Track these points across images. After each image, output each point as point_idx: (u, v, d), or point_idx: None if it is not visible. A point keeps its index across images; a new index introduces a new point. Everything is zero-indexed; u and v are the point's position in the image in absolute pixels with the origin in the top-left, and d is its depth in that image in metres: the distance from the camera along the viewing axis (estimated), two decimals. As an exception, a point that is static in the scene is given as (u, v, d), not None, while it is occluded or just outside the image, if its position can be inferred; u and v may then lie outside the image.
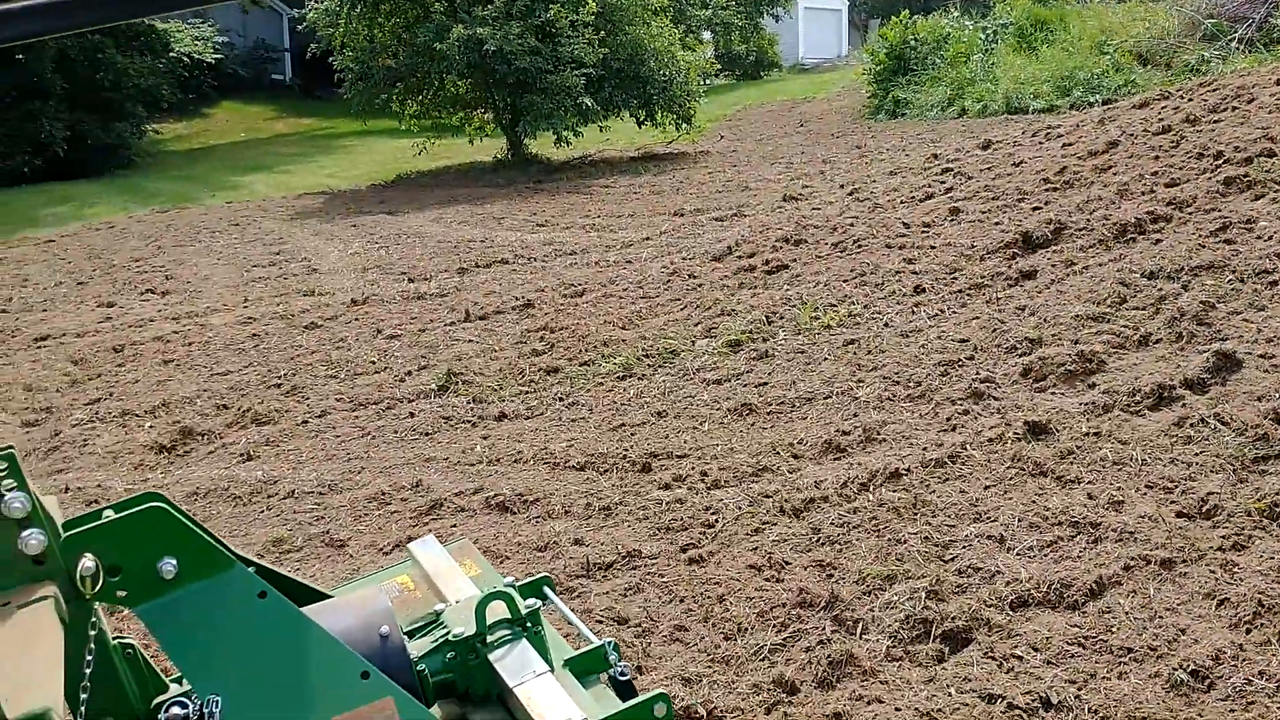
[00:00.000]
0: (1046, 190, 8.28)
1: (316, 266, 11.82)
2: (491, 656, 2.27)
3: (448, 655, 2.29)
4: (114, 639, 2.45)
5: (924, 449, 4.91)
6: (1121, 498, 4.23)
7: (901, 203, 9.33)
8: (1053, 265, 6.87)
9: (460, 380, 6.93)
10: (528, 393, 6.65)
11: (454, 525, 4.90)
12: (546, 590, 2.70)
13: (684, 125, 20.08)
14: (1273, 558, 3.73)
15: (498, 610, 2.34)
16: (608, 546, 4.53)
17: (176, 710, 2.37)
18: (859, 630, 3.71)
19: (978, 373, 5.62)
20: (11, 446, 2.04)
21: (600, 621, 3.97)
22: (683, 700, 3.46)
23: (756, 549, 4.34)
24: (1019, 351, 5.76)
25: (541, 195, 15.89)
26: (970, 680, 3.36)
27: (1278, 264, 6.00)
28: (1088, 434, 4.75)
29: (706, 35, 31.73)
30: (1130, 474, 4.40)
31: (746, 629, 3.83)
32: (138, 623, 3.69)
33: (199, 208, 17.74)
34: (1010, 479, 4.54)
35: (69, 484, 5.83)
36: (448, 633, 2.32)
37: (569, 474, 5.39)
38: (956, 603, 3.72)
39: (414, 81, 19.99)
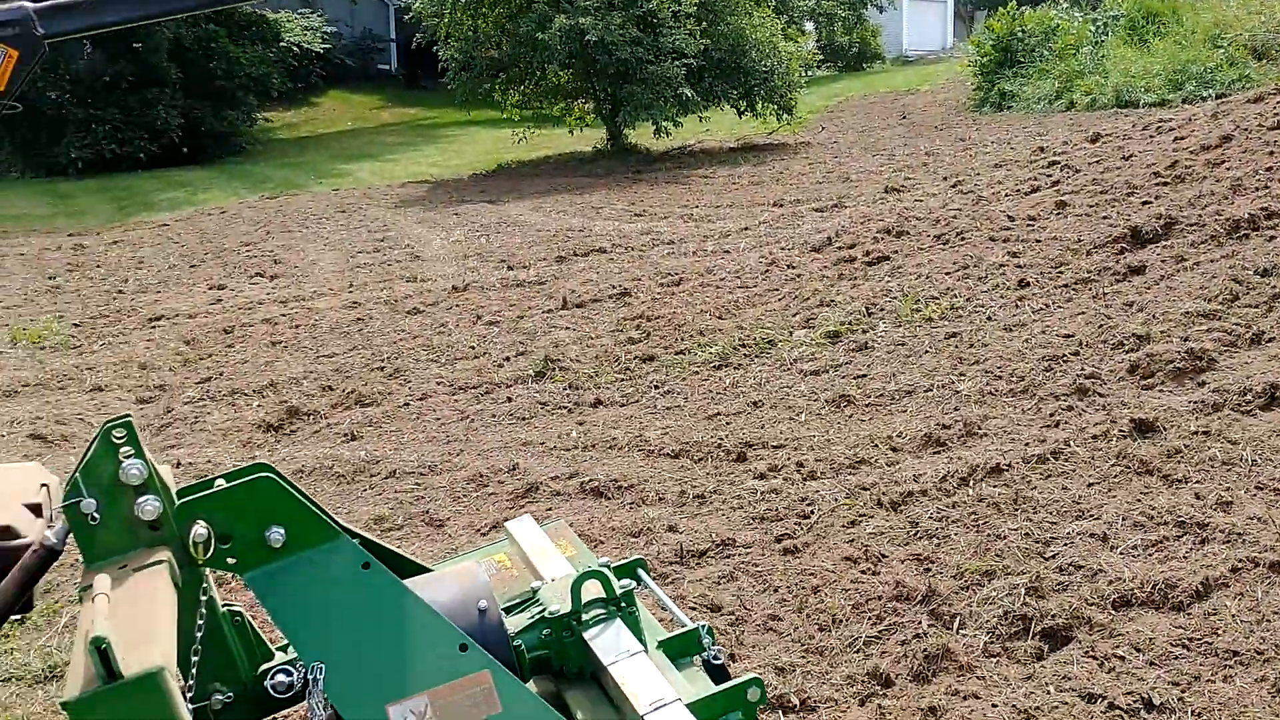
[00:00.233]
0: (1157, 184, 8.06)
1: (419, 253, 12.00)
2: (586, 635, 2.29)
3: (543, 632, 2.31)
4: (223, 607, 2.53)
5: (1026, 445, 4.82)
6: (1230, 498, 4.11)
7: (1006, 195, 9.15)
8: (1162, 261, 6.68)
9: (557, 367, 6.98)
10: (623, 380, 6.68)
11: (549, 508, 4.94)
12: (640, 572, 2.71)
13: (784, 116, 19.93)
14: (1393, 565, 3.59)
15: (593, 590, 2.35)
16: (701, 534, 4.53)
17: (281, 678, 2.44)
18: (956, 625, 3.66)
19: (1083, 369, 5.49)
20: (129, 415, 2.11)
21: (693, 608, 3.98)
22: (776, 689, 3.46)
23: (853, 541, 4.30)
24: (1126, 348, 5.62)
25: (640, 185, 15.92)
26: (1070, 679, 3.30)
27: (1405, 262, 5.77)
28: (1196, 433, 4.62)
29: (809, 26, 31.46)
30: (1240, 474, 4.27)
31: (841, 620, 3.80)
32: (245, 593, 3.80)
33: (306, 194, 18.13)
34: (1115, 477, 4.43)
35: (180, 459, 6.02)
36: (544, 610, 2.34)
37: (663, 461, 5.41)
38: (1057, 600, 3.65)
39: (516, 72, 20.15)
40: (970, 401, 5.46)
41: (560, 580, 2.44)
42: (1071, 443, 4.74)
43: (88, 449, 2.03)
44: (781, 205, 12.52)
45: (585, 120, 21.07)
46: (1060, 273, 6.94)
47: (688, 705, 2.06)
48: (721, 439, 5.52)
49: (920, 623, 3.68)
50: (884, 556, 4.15)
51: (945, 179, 11.50)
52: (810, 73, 23.06)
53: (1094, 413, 5.02)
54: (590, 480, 5.17)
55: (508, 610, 2.46)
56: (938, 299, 7.02)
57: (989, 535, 4.15)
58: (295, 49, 27.85)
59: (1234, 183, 7.49)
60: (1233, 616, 3.47)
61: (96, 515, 2.01)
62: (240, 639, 2.54)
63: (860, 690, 3.41)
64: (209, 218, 16.27)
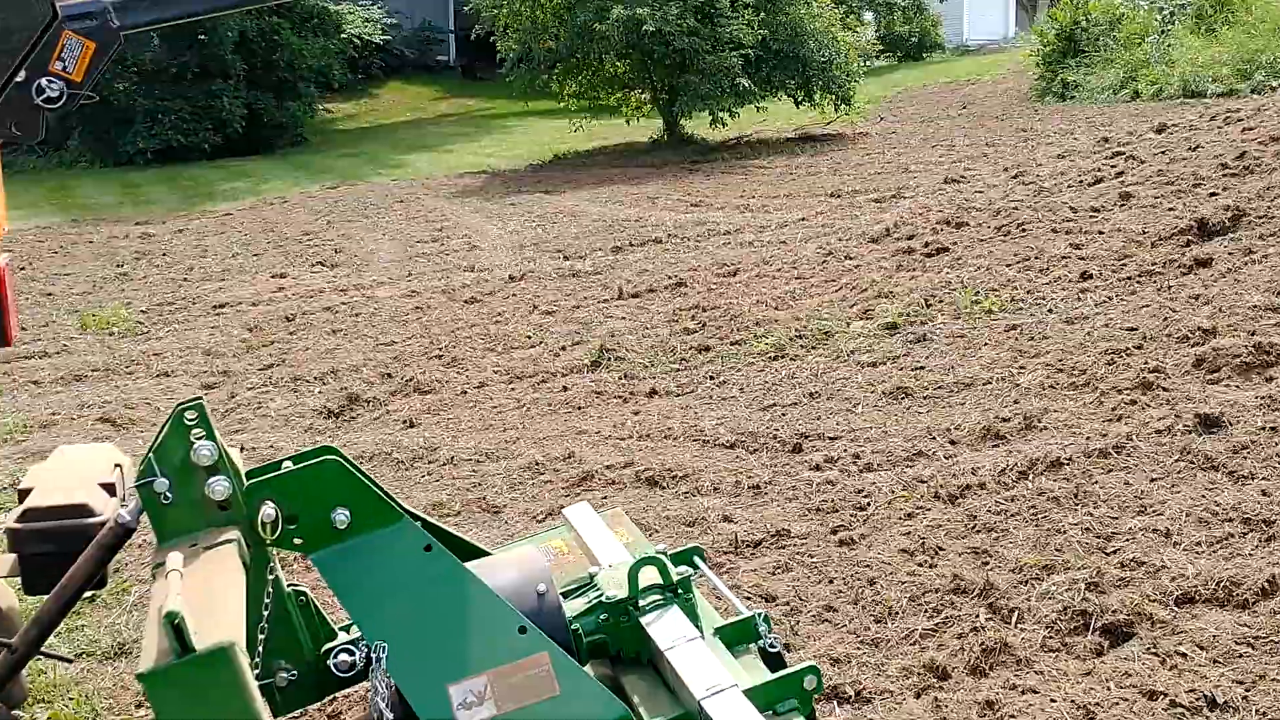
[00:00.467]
0: (1225, 176, 7.91)
1: (476, 243, 12.09)
2: (643, 620, 2.30)
3: (600, 616, 2.33)
4: (288, 587, 2.58)
5: (1087, 438, 4.76)
6: (1299, 495, 4.03)
7: (1069, 186, 9.03)
8: (1229, 253, 6.56)
9: (613, 356, 7.01)
10: (679, 370, 6.69)
11: (604, 497, 4.97)
12: (697, 560, 2.73)
13: (843, 106, 19.77)
14: None
15: (650, 576, 2.37)
16: (757, 524, 4.53)
17: (344, 657, 2.49)
18: (1014, 619, 3.63)
19: (1146, 362, 5.41)
20: (201, 397, 2.16)
21: (748, 598, 3.98)
22: (831, 680, 3.45)
23: (909, 533, 4.28)
24: (1191, 341, 5.53)
25: (696, 175, 15.90)
26: (1130, 675, 3.26)
27: None
28: (1263, 428, 4.54)
29: (868, 16, 31.15)
30: (1310, 471, 4.19)
31: (897, 612, 3.79)
32: (308, 575, 3.87)
33: (366, 185, 18.31)
34: (1179, 472, 4.37)
35: (244, 444, 6.11)
36: (601, 595, 2.36)
37: (718, 452, 5.41)
38: (1118, 596, 3.61)
39: (574, 62, 20.18)
40: (1030, 394, 5.40)
41: (617, 566, 2.46)
42: (1134, 437, 4.68)
43: (160, 430, 2.08)
44: (839, 196, 12.45)
45: (642, 111, 21.06)
46: (1124, 265, 6.84)
47: (744, 691, 2.07)
48: (777, 430, 5.52)
49: (978, 616, 3.66)
50: (941, 549, 4.13)
51: (1006, 170, 11.36)
52: (869, 63, 22.89)
53: (1157, 407, 4.95)
54: (645, 470, 5.18)
55: (565, 595, 2.49)
56: (998, 291, 6.95)
57: (1048, 529, 4.11)
58: (356, 41, 28.10)
59: (1305, 174, 7.35)
60: (1299, 615, 3.41)
61: (169, 495, 2.06)
62: (304, 618, 2.59)
63: (916, 683, 3.40)
64: (271, 207, 16.50)
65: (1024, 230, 8.05)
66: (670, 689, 2.22)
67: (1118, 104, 17.80)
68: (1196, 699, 3.12)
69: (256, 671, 2.42)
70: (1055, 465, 4.56)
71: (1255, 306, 5.73)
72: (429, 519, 2.42)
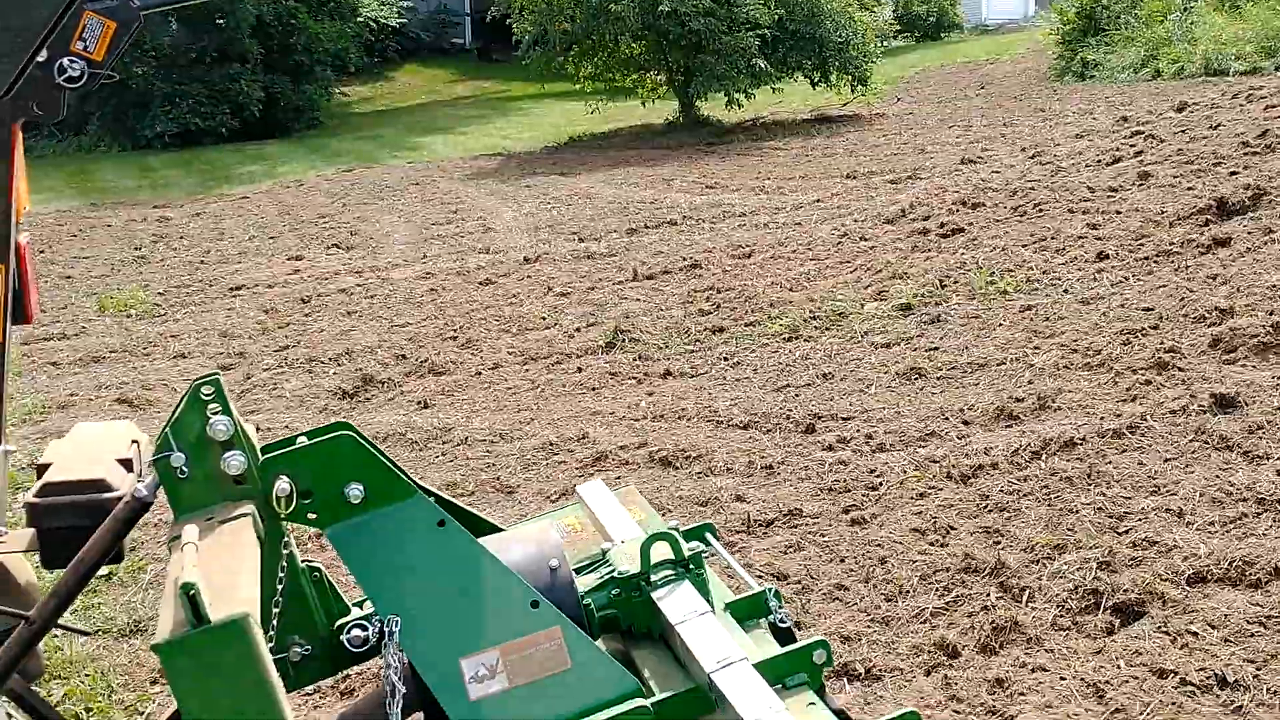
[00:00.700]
0: (1245, 154, 7.86)
1: (491, 225, 12.10)
2: (655, 595, 2.31)
3: (612, 592, 2.35)
4: (302, 562, 2.61)
5: (1101, 419, 4.76)
6: (1314, 476, 4.02)
7: (1086, 166, 8.99)
8: (1249, 233, 6.53)
9: (627, 338, 7.02)
10: (693, 351, 6.70)
11: (618, 477, 4.99)
12: (709, 536, 2.74)
13: (859, 87, 19.67)
14: None
15: (661, 552, 2.38)
16: (769, 504, 4.55)
17: (357, 632, 2.50)
18: (1025, 598, 3.64)
19: (1162, 342, 5.39)
20: (218, 373, 2.19)
21: (760, 576, 3.99)
22: (842, 657, 3.47)
23: (921, 513, 4.29)
24: (1208, 321, 5.51)
25: (712, 157, 15.86)
26: (1141, 654, 3.27)
27: None
28: (1279, 409, 4.52)
29: (885, -4, 31.00)
30: (1325, 452, 4.18)
31: (908, 591, 3.80)
32: (324, 552, 3.90)
33: (381, 167, 18.33)
34: (1193, 452, 4.36)
35: (259, 424, 6.15)
36: (613, 570, 2.38)
37: (732, 432, 5.43)
38: (1129, 575, 3.61)
39: (589, 44, 20.12)
40: (1044, 375, 5.39)
41: (630, 542, 2.48)
42: (1148, 417, 4.67)
43: (177, 405, 2.11)
44: (855, 177, 12.41)
45: (657, 92, 21.00)
46: (1141, 245, 6.81)
47: (754, 665, 2.08)
48: (790, 410, 5.53)
49: (988, 595, 3.67)
50: (952, 529, 4.14)
51: (1024, 150, 11.30)
52: (886, 43, 22.75)
53: (1173, 387, 4.94)
54: (659, 450, 5.20)
55: (578, 570, 2.50)
56: (1013, 271, 6.93)
57: (1060, 509, 4.11)
58: (372, 24, 28.10)
59: (1326, 153, 7.30)
60: (1312, 595, 3.41)
61: (185, 469, 2.08)
62: (318, 593, 2.61)
63: (926, 660, 3.42)
64: (287, 190, 16.54)
65: (1040, 211, 8.02)
66: (681, 663, 2.24)
67: (1138, 83, 17.65)
68: (1207, 678, 3.13)
69: (271, 645, 2.46)
70: (1069, 445, 4.56)
71: (1274, 286, 5.70)
72: (443, 495, 2.44)
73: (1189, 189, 7.50)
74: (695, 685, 2.12)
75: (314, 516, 2.18)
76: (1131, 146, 9.14)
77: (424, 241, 11.55)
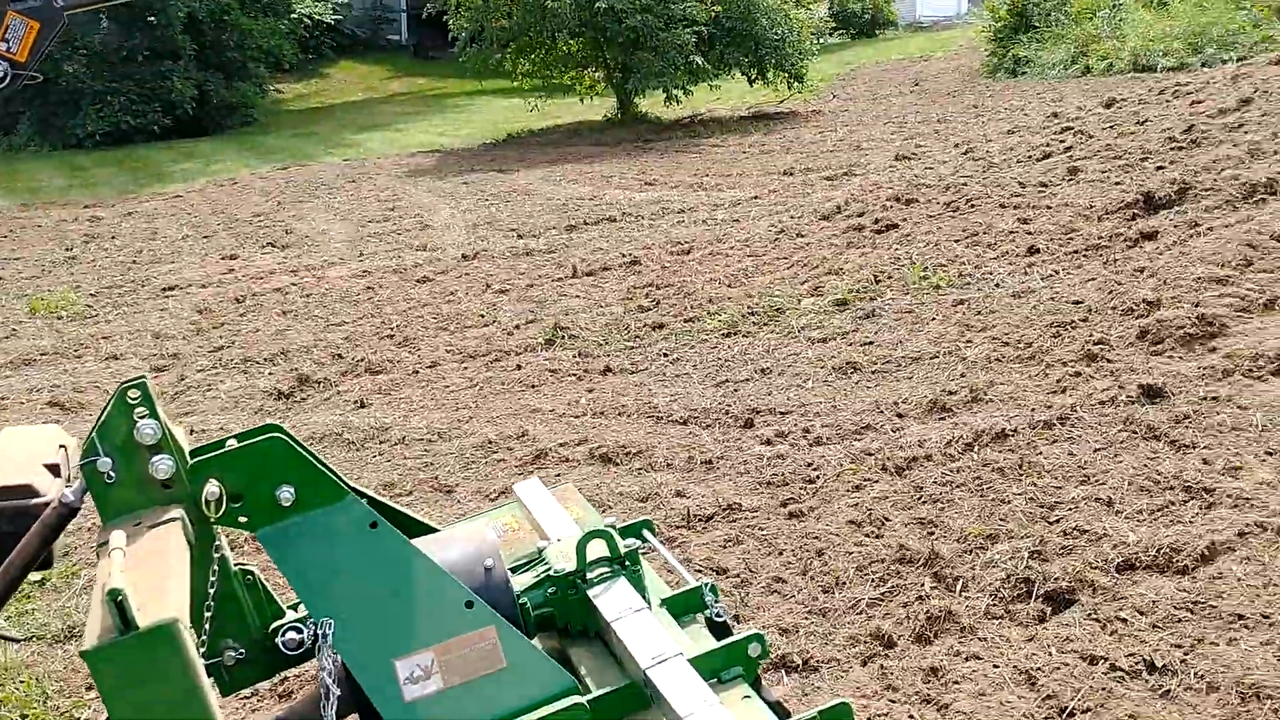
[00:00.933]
0: (1172, 149, 8.01)
1: (429, 223, 12.03)
2: (591, 593, 2.32)
3: (548, 590, 2.35)
4: (235, 566, 2.58)
5: (1032, 410, 4.84)
6: (1239, 463, 4.12)
7: (1018, 162, 9.12)
8: (1175, 226, 6.66)
9: (566, 335, 7.02)
10: (632, 348, 6.71)
11: (558, 474, 4.98)
12: (646, 533, 2.75)
13: (796, 84, 19.83)
14: (1398, 528, 3.60)
15: (598, 549, 2.39)
16: (708, 499, 4.57)
17: (292, 635, 2.48)
18: (959, 588, 3.69)
19: (1091, 334, 5.49)
20: (145, 376, 2.16)
21: (699, 571, 4.02)
22: (780, 649, 3.50)
23: (857, 505, 4.33)
24: (1136, 314, 5.62)
25: (650, 154, 15.89)
26: (1072, 640, 3.33)
27: None
28: (1205, 398, 4.62)
29: (821, -7, 31.22)
30: (1249, 440, 4.28)
31: (845, 583, 3.84)
32: (260, 555, 3.86)
33: (317, 165, 18.15)
34: (1121, 442, 4.45)
35: (193, 426, 6.08)
36: (549, 569, 2.38)
37: (671, 428, 5.44)
38: (1060, 563, 3.68)
39: (526, 41, 20.07)
40: (977, 368, 5.47)
41: (566, 540, 2.48)
42: (1078, 408, 4.76)
43: (104, 409, 2.08)
44: (792, 174, 12.50)
45: (595, 89, 21.01)
46: (1071, 239, 6.93)
47: (689, 660, 2.09)
48: (729, 405, 5.56)
49: (923, 585, 3.72)
50: (888, 520, 4.18)
51: (956, 146, 11.45)
52: (822, 40, 22.93)
53: (1102, 379, 5.03)
54: (599, 447, 5.21)
55: (514, 569, 2.50)
56: (946, 266, 7.02)
57: (993, 500, 4.18)
58: (306, 20, 27.82)
59: (1252, 147, 7.45)
60: (1238, 580, 3.48)
61: (112, 474, 2.05)
62: (252, 597, 2.59)
63: (863, 651, 3.46)
64: (221, 189, 16.32)
65: (973, 206, 8.13)
66: (618, 660, 2.24)
67: (1069, 79, 17.95)
68: (1136, 663, 3.20)
69: (203, 651, 2.43)
70: (1000, 437, 4.63)
71: (1199, 278, 5.82)
72: (376, 496, 2.42)
73: (1117, 184, 7.63)
74: (631, 682, 2.13)
75: (245, 520, 2.16)
76: (1061, 142, 9.28)
77: (360, 239, 11.45)
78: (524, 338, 7.13)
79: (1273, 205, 6.49)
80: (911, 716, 3.14)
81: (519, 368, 6.59)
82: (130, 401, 2.08)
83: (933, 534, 4.03)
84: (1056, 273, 6.50)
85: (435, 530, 2.53)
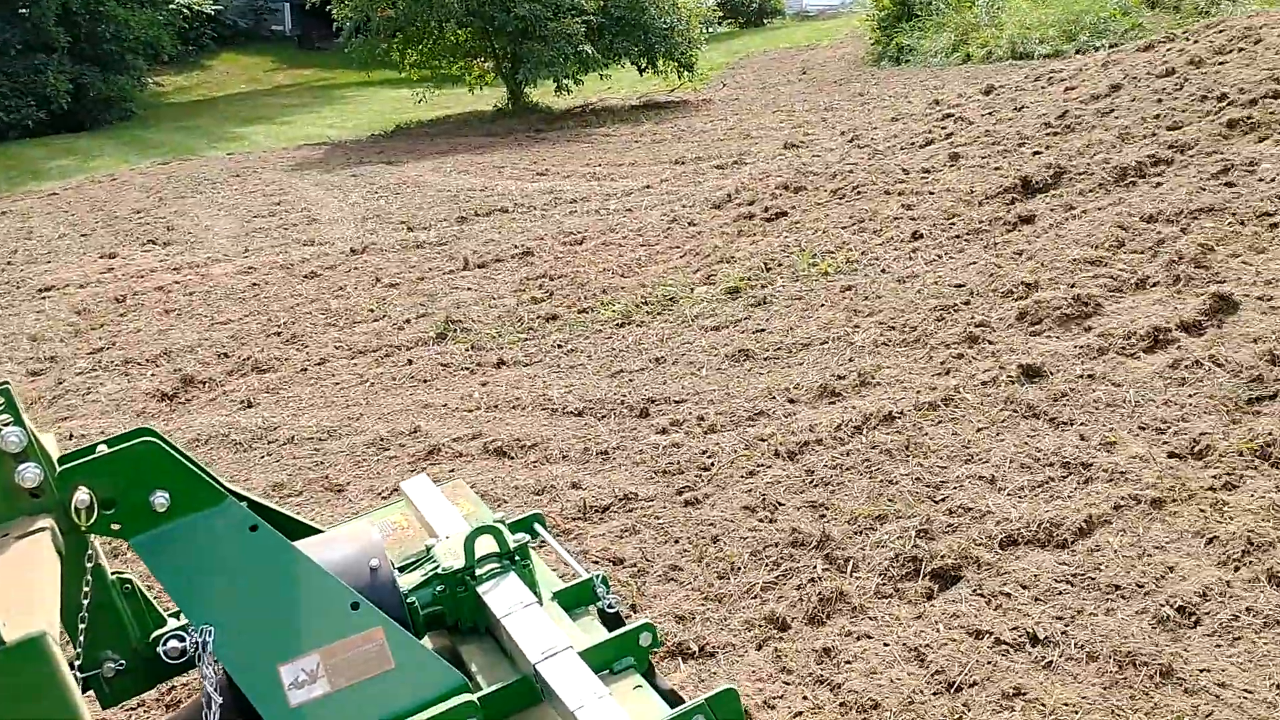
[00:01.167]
0: (1047, 135, 8.24)
1: (316, 216, 11.81)
2: (480, 589, 2.30)
3: (437, 588, 2.32)
4: (113, 575, 2.50)
5: (918, 392, 4.94)
6: (1114, 439, 4.26)
7: (901, 149, 9.29)
8: (1051, 210, 6.85)
9: (459, 328, 6.95)
10: (526, 340, 6.68)
11: (452, 470, 4.94)
12: (537, 527, 2.74)
13: (685, 73, 19.93)
14: (1264, 497, 3.76)
15: (487, 545, 2.37)
16: (605, 490, 4.57)
17: (174, 643, 2.42)
18: (850, 568, 3.75)
19: (973, 317, 5.63)
20: (7, 383, 2.07)
21: (596, 562, 4.02)
22: (676, 637, 3.52)
23: (751, 491, 4.38)
24: (1015, 296, 5.77)
25: (542, 144, 15.82)
26: (958, 616, 3.41)
27: (1279, 206, 5.99)
28: (1081, 376, 4.77)
29: (709, -18, 31.40)
30: (1123, 415, 4.43)
31: (739, 568, 3.88)
32: (140, 561, 3.75)
33: (200, 159, 17.70)
34: (1003, 421, 4.57)
35: (73, 431, 5.88)
36: (437, 566, 2.35)
37: (567, 419, 5.43)
38: (946, 541, 3.76)
39: (414, 31, 19.82)
40: (865, 352, 5.57)
41: (455, 537, 2.46)
42: (961, 389, 4.87)
43: (-34, 420, 1.99)
44: (683, 163, 12.56)
45: (485, 79, 20.85)
46: (952, 224, 7.08)
47: (580, 653, 2.09)
48: (624, 395, 5.56)
49: (815, 567, 3.77)
50: (781, 504, 4.23)
51: (843, 134, 11.62)
52: (711, 29, 23.06)
53: (983, 360, 5.16)
54: (493, 440, 5.17)
55: (403, 569, 2.47)
56: (834, 253, 7.12)
57: (881, 481, 4.25)
58: (185, 11, 27.10)
59: (1122, 131, 7.70)
60: (1115, 552, 3.60)
61: (-24, 485, 1.98)
62: (131, 606, 2.52)
63: (757, 635, 3.49)
64: (99, 185, 15.81)
65: (859, 193, 8.25)
66: (508, 655, 2.23)
67: (950, 67, 18.34)
68: (1019, 636, 3.28)
69: (79, 663, 2.36)
70: (888, 419, 4.72)
71: (1075, 260, 6.00)
72: (256, 498, 2.37)
73: (996, 169, 7.82)
74: (522, 677, 2.12)
75: (118, 527, 2.09)
76: (943, 129, 9.48)
77: (246, 235, 11.19)
78: (415, 332, 7.04)
79: (1142, 188, 6.72)
80: (805, 698, 3.18)
81: (410, 362, 6.51)
82: (-8, 409, 2.01)
83: (824, 516, 4.09)
84: (939, 257, 6.65)
85: (320, 531, 2.49)
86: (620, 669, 2.17)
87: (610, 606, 2.47)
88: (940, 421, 4.64)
